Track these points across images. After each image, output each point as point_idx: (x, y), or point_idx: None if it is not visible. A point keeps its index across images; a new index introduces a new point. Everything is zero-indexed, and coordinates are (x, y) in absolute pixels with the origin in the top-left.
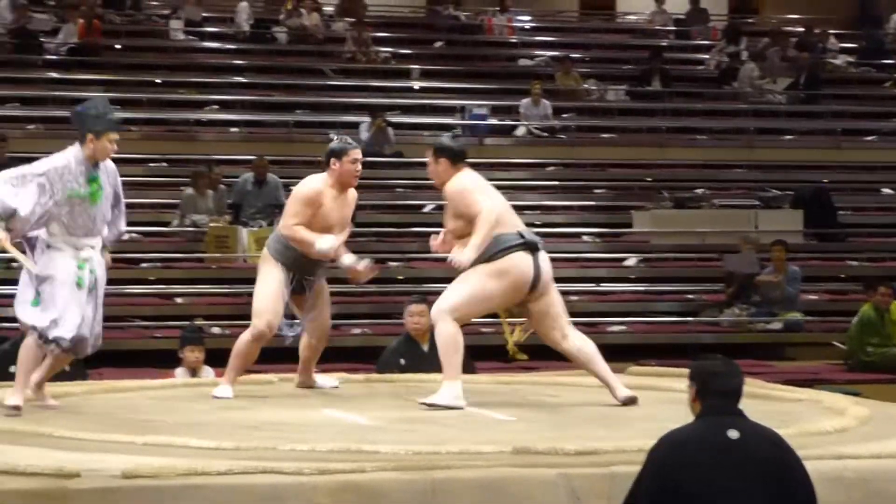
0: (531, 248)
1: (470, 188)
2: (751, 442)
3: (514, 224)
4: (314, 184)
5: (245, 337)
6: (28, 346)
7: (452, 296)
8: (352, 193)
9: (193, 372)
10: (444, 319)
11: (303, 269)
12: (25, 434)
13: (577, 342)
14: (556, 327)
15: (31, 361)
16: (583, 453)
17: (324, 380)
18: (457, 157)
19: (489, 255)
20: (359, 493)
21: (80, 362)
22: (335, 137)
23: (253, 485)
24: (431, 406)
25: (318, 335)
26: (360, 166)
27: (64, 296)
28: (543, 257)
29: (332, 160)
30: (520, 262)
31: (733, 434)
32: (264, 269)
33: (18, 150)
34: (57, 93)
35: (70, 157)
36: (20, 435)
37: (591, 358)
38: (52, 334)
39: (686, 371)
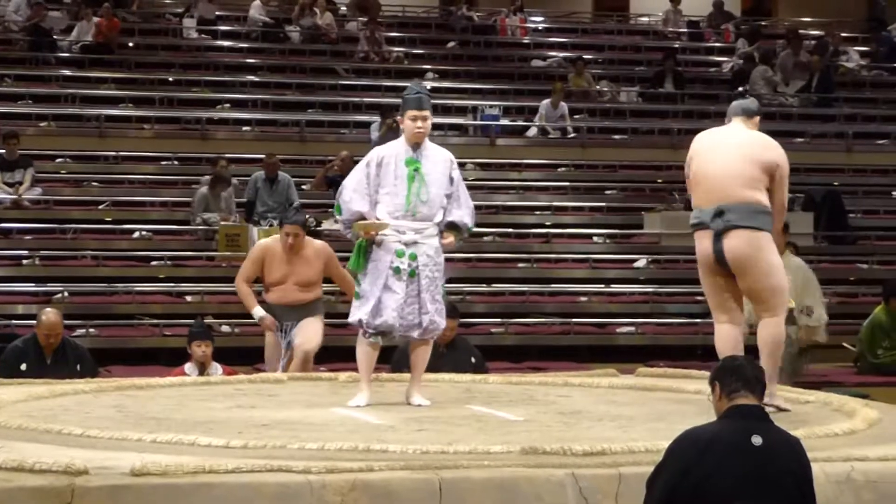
0: None
1: None
2: (773, 451)
3: None
4: None
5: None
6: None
7: None
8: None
9: (202, 367)
10: None
11: None
12: (35, 431)
13: None
14: None
15: (365, 358)
16: (591, 454)
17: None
18: None
19: None
20: (367, 492)
21: (93, 360)
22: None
23: (262, 483)
24: None
25: None
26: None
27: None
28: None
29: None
30: None
31: (756, 440)
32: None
33: (30, 147)
34: (69, 90)
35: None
36: (30, 432)
37: None
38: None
39: (694, 372)
